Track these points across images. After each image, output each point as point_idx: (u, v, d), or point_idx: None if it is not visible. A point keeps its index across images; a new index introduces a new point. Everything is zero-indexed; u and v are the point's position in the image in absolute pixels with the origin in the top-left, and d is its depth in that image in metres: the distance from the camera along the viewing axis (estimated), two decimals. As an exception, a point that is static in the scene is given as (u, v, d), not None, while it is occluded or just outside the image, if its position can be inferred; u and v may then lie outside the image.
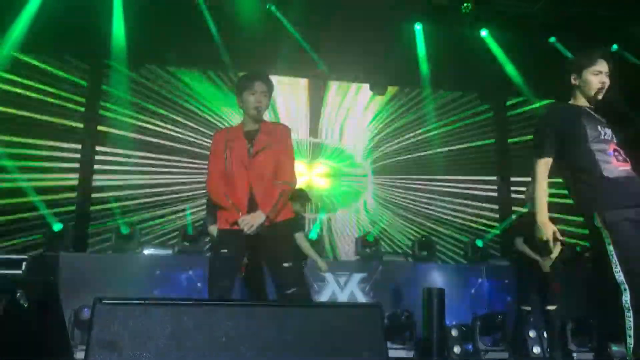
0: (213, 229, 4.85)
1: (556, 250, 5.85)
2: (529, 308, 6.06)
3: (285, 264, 3.66)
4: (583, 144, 3.32)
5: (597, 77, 3.40)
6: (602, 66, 3.41)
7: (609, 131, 3.36)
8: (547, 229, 3.28)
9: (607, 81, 3.40)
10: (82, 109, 8.74)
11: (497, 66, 9.02)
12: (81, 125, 8.70)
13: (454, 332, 6.82)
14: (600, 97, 3.42)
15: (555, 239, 3.27)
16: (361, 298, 7.42)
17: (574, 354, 6.82)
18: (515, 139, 9.91)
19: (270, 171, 3.74)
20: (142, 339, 2.34)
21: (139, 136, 8.89)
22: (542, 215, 3.33)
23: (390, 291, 7.50)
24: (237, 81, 3.97)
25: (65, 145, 8.60)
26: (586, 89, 3.43)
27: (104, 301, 2.39)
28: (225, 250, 3.65)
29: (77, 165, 8.60)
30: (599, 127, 3.34)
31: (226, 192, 3.71)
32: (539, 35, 8.41)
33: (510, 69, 9.07)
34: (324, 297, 7.34)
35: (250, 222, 3.60)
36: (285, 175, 3.77)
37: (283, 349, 2.43)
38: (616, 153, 3.28)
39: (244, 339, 2.41)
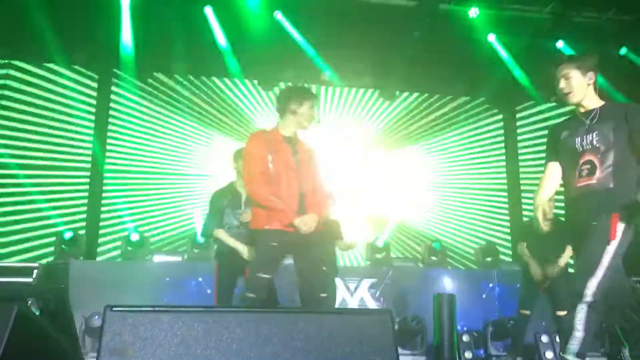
0: (220, 234, 4.79)
1: (565, 257, 5.84)
2: (528, 312, 6.04)
3: (325, 268, 3.90)
4: (561, 162, 3.43)
5: (559, 84, 3.40)
6: (559, 72, 3.40)
7: (591, 136, 3.29)
8: (537, 210, 3.39)
9: (564, 86, 3.37)
10: (92, 118, 8.79)
11: (506, 71, 8.99)
12: (91, 133, 8.74)
13: (465, 338, 6.78)
14: (570, 100, 3.39)
15: (545, 219, 3.35)
16: (371, 304, 7.39)
17: (587, 359, 6.76)
18: (525, 144, 9.88)
19: (317, 176, 3.98)
20: (153, 346, 2.34)
21: (149, 143, 8.93)
22: (538, 196, 3.46)
23: (401, 297, 7.46)
24: (299, 89, 4.09)
25: (75, 153, 8.65)
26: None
27: (114, 308, 2.39)
28: (276, 244, 3.76)
29: (87, 173, 8.64)
30: (577, 139, 3.32)
31: (273, 194, 3.81)
32: (546, 39, 8.39)
33: (518, 74, 9.04)
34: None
35: (309, 223, 3.76)
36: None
37: (293, 355, 2.42)
38: (584, 166, 3.26)
39: (255, 345, 2.41)
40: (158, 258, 7.61)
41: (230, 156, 4.77)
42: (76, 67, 8.76)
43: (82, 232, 7.99)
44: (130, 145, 8.90)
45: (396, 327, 6.42)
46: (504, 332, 6.89)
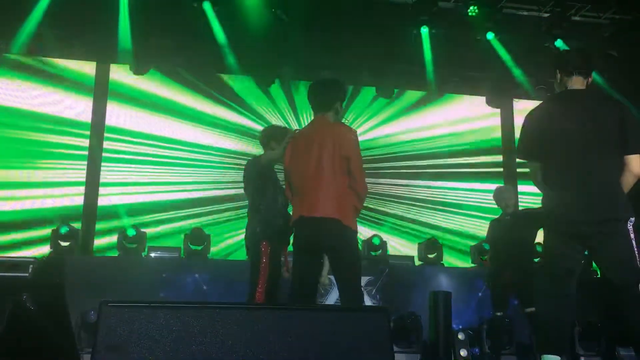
0: None
1: None
2: (500, 314, 6.16)
3: None
4: None
5: None
6: None
7: None
8: None
9: None
10: (89, 113, 8.77)
11: (504, 69, 8.99)
12: (88, 129, 8.72)
13: (460, 336, 6.78)
14: None
15: None
16: (367, 301, 7.39)
17: (582, 358, 6.78)
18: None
19: None
20: (149, 342, 2.34)
21: (147, 138, 8.92)
22: None
23: (397, 294, 7.47)
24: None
25: (72, 149, 8.63)
26: None
27: (110, 304, 2.39)
28: None
29: (83, 168, 8.61)
30: None
31: None
32: (545, 38, 8.39)
33: (517, 72, 9.03)
34: (330, 300, 7.32)
35: None
36: None
37: (289, 352, 2.42)
38: None
39: (250, 342, 2.41)
40: (155, 254, 7.59)
41: (264, 134, 5.07)
42: (74, 58, 8.71)
43: (78, 226, 7.95)
44: (127, 137, 8.87)
45: (391, 324, 6.43)
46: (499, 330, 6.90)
